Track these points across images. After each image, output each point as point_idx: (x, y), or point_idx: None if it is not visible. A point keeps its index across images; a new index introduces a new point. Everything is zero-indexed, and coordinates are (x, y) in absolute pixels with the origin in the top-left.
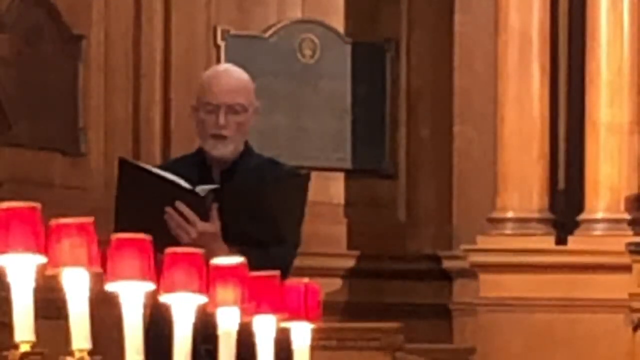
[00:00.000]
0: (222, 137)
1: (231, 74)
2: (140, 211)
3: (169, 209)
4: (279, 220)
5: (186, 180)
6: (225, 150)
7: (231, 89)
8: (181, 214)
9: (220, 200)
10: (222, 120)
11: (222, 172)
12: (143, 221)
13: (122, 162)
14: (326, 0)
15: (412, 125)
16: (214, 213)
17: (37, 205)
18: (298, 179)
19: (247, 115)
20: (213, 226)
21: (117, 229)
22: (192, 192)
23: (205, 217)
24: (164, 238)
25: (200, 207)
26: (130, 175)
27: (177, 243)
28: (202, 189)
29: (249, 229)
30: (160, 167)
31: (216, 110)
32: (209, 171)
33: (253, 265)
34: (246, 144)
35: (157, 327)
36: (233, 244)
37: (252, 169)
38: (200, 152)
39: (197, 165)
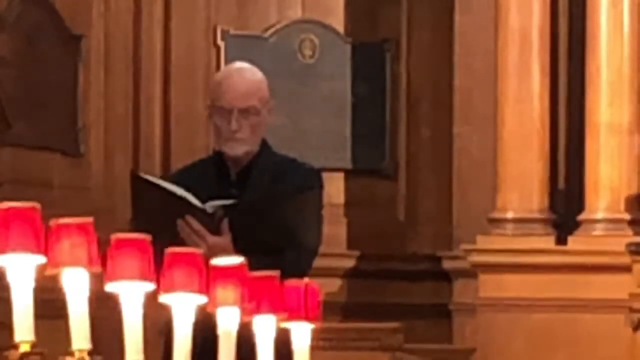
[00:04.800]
0: (237, 140)
1: (243, 76)
2: (155, 223)
3: (180, 223)
4: (293, 227)
5: (205, 182)
6: (239, 150)
7: (243, 92)
8: (192, 227)
9: (234, 211)
10: (234, 125)
11: (238, 172)
12: (159, 233)
13: (134, 177)
14: (326, 0)
15: (412, 125)
16: (225, 227)
17: (37, 205)
18: (310, 183)
19: (261, 116)
20: (223, 240)
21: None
22: (199, 208)
23: (215, 231)
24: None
25: (210, 222)
26: (142, 189)
27: None
28: (210, 205)
29: (264, 238)
30: (181, 171)
31: (229, 114)
32: (226, 172)
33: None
34: (264, 143)
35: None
36: (247, 253)
37: (268, 169)
38: (218, 153)
39: (215, 166)
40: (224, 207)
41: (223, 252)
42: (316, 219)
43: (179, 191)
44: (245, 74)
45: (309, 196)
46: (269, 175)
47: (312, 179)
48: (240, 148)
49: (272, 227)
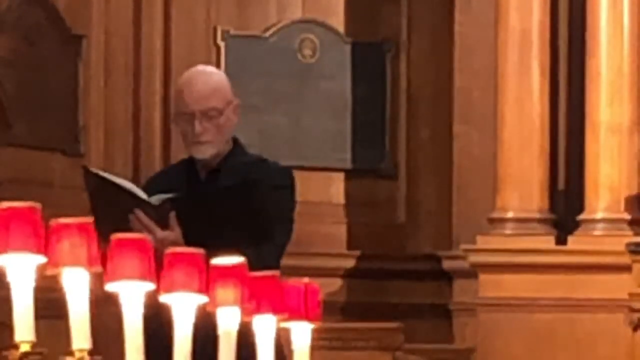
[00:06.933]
0: (202, 143)
1: (200, 79)
2: (111, 217)
3: (132, 217)
4: (256, 221)
5: (176, 185)
6: (207, 153)
7: (201, 95)
8: (141, 221)
9: (190, 206)
10: (198, 128)
11: (208, 174)
12: (115, 226)
13: (86, 171)
14: (326, 0)
15: (412, 125)
16: (173, 221)
17: (37, 205)
18: (276, 177)
19: (225, 117)
20: (172, 234)
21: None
22: (146, 201)
23: (165, 225)
24: None
25: (158, 216)
26: (94, 184)
27: None
28: (157, 198)
29: (225, 233)
30: (153, 177)
31: (191, 118)
32: (196, 174)
33: None
34: (236, 143)
35: (154, 327)
36: (207, 248)
37: (237, 169)
38: (190, 157)
39: (185, 170)
40: (171, 200)
41: (173, 246)
42: (283, 214)
43: (127, 185)
44: (202, 77)
45: (273, 186)
46: (239, 175)
47: (281, 177)
48: (207, 151)
49: (234, 220)
